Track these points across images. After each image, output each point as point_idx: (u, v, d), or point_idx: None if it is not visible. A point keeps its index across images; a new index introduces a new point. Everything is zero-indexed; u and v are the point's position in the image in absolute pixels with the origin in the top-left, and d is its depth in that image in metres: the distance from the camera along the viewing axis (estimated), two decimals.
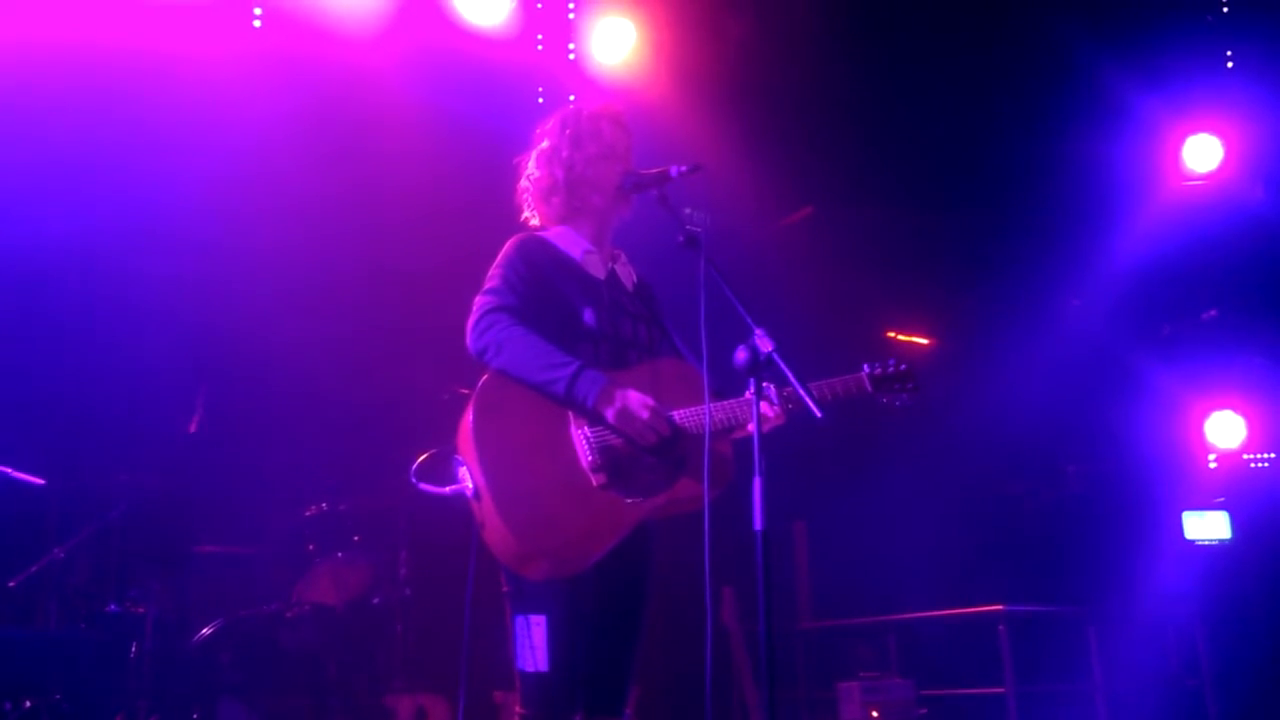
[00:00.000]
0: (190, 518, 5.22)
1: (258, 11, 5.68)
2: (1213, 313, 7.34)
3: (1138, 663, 6.23)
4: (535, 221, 3.40)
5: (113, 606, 4.84)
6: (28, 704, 4.43)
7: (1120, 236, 7.20)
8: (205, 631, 4.86)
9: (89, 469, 5.14)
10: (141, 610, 4.81)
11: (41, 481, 4.58)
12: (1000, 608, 5.88)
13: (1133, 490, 7.08)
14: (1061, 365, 7.10)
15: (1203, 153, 7.25)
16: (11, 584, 4.71)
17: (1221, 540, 6.81)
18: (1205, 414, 7.42)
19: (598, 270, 3.28)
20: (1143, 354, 7.33)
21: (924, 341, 8.00)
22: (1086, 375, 7.18)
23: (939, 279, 7.53)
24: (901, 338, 7.95)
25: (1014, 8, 6.60)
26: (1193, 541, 6.77)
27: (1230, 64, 7.07)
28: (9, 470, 4.43)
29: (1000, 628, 5.85)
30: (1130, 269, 7.19)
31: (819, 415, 2.73)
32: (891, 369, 3.17)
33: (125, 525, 4.94)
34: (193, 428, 5.25)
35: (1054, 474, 7.47)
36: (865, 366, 3.17)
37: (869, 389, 3.16)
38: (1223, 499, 6.98)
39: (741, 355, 2.74)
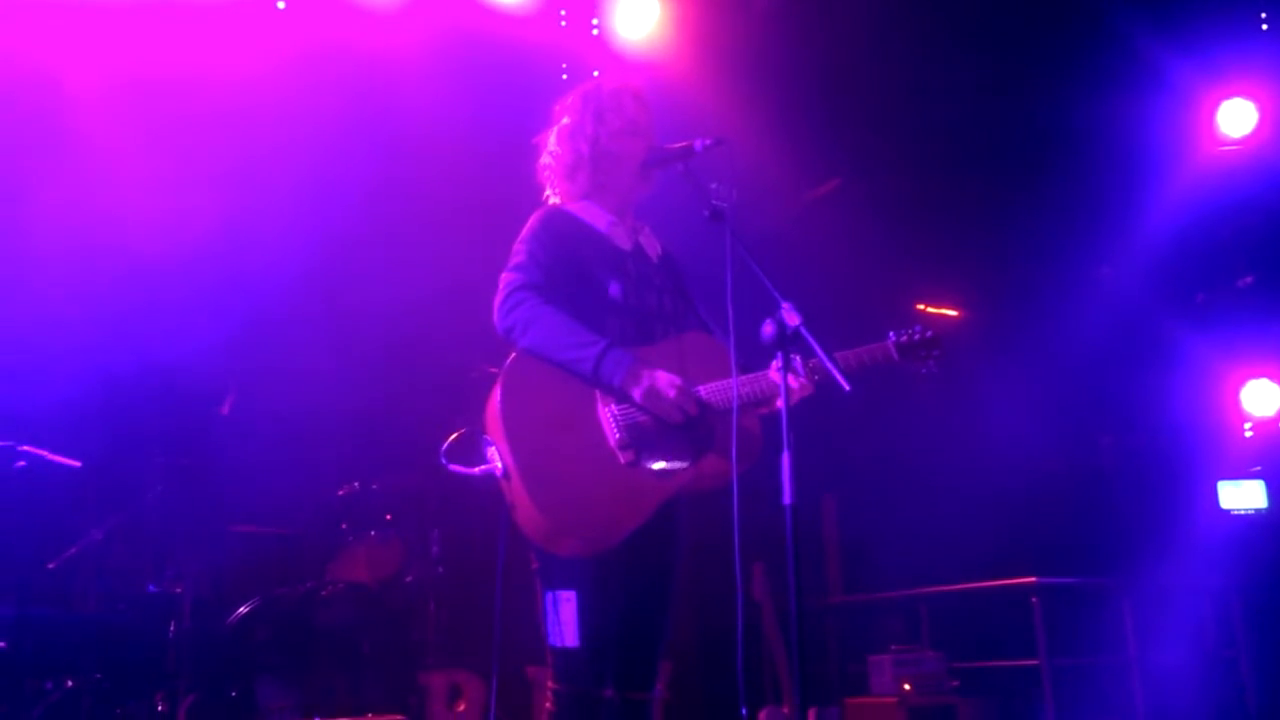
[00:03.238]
0: (225, 498, 5.27)
1: None
2: (1248, 279, 7.23)
3: (1173, 634, 6.18)
4: (556, 200, 3.39)
5: (151, 587, 4.91)
6: (69, 684, 4.51)
7: (1154, 203, 7.11)
8: (241, 610, 4.92)
9: (125, 451, 5.19)
10: (179, 590, 4.87)
11: (78, 464, 4.63)
12: (1033, 580, 5.84)
13: (1167, 460, 7.01)
14: (1095, 334, 7.02)
15: (1237, 117, 7.14)
16: (51, 566, 4.77)
17: (1258, 509, 6.74)
18: (1241, 382, 7.34)
19: (623, 242, 3.28)
20: (1177, 322, 7.24)
21: (954, 313, 7.94)
22: (1120, 344, 7.10)
23: (968, 249, 7.46)
24: (931, 310, 7.89)
25: None
26: (1228, 511, 6.70)
27: (1265, 27, 6.94)
28: (46, 453, 4.48)
29: (1033, 600, 5.82)
30: (1164, 236, 7.10)
31: (847, 388, 2.72)
32: (918, 336, 3.15)
33: (161, 506, 5.00)
34: (226, 410, 5.30)
35: (1087, 444, 7.40)
36: (891, 334, 3.15)
37: (895, 357, 3.14)
38: (1259, 468, 6.90)
39: (768, 329, 2.73)
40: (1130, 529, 6.62)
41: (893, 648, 6.00)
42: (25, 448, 4.40)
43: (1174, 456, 7.01)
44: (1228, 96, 7.14)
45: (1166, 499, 6.76)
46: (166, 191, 5.43)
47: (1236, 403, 7.33)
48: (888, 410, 6.59)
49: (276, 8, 5.68)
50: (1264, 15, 6.93)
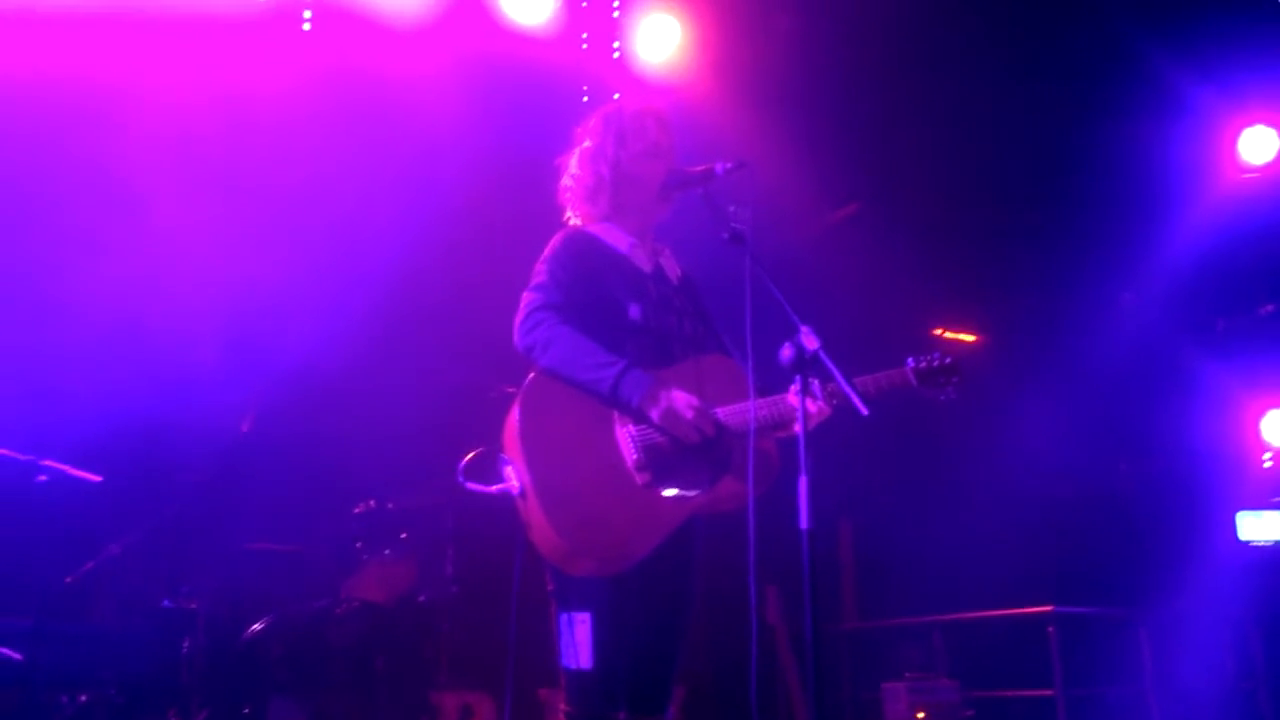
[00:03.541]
0: (241, 515, 5.28)
1: (307, 15, 5.73)
2: (1269, 307, 7.20)
3: (1191, 666, 6.13)
4: (576, 221, 3.41)
5: (166, 602, 4.92)
6: (83, 698, 4.51)
7: (1174, 230, 7.08)
8: (255, 628, 4.92)
9: (144, 467, 5.22)
10: (194, 606, 4.88)
11: (98, 479, 4.65)
12: (1050, 608, 5.81)
13: (1186, 489, 6.97)
14: (1114, 361, 7.00)
15: (1259, 144, 7.12)
16: (68, 580, 4.79)
17: (1277, 541, 6.68)
18: (1261, 412, 7.30)
19: (644, 264, 3.29)
20: (1197, 350, 7.21)
21: (973, 338, 7.92)
22: (1139, 371, 7.07)
23: (988, 274, 7.45)
24: (950, 335, 7.87)
25: (1067, 1, 6.50)
26: (1247, 542, 6.64)
27: None
28: (66, 468, 4.51)
29: (1050, 629, 5.78)
30: (1184, 263, 7.07)
31: (865, 412, 2.72)
32: (936, 362, 3.15)
33: (178, 522, 5.01)
34: (245, 427, 5.32)
35: (1106, 472, 7.36)
36: (910, 360, 3.15)
37: (913, 383, 3.13)
38: (1279, 499, 6.84)
39: (787, 352, 2.74)
40: (1148, 558, 6.57)
41: (907, 675, 5.97)
42: (47, 462, 4.42)
43: (1193, 486, 6.96)
44: (1249, 124, 7.12)
45: (1185, 529, 6.72)
46: (192, 211, 5.47)
47: (1256, 432, 7.28)
48: (906, 435, 6.58)
49: (301, 30, 5.72)
50: None
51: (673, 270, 3.38)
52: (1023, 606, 5.98)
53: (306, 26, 5.71)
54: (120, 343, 5.36)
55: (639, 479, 2.95)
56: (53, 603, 4.66)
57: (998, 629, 6.27)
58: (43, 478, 4.38)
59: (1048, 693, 5.73)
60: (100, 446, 4.83)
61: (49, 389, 5.03)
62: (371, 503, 5.41)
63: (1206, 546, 6.59)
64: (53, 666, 4.47)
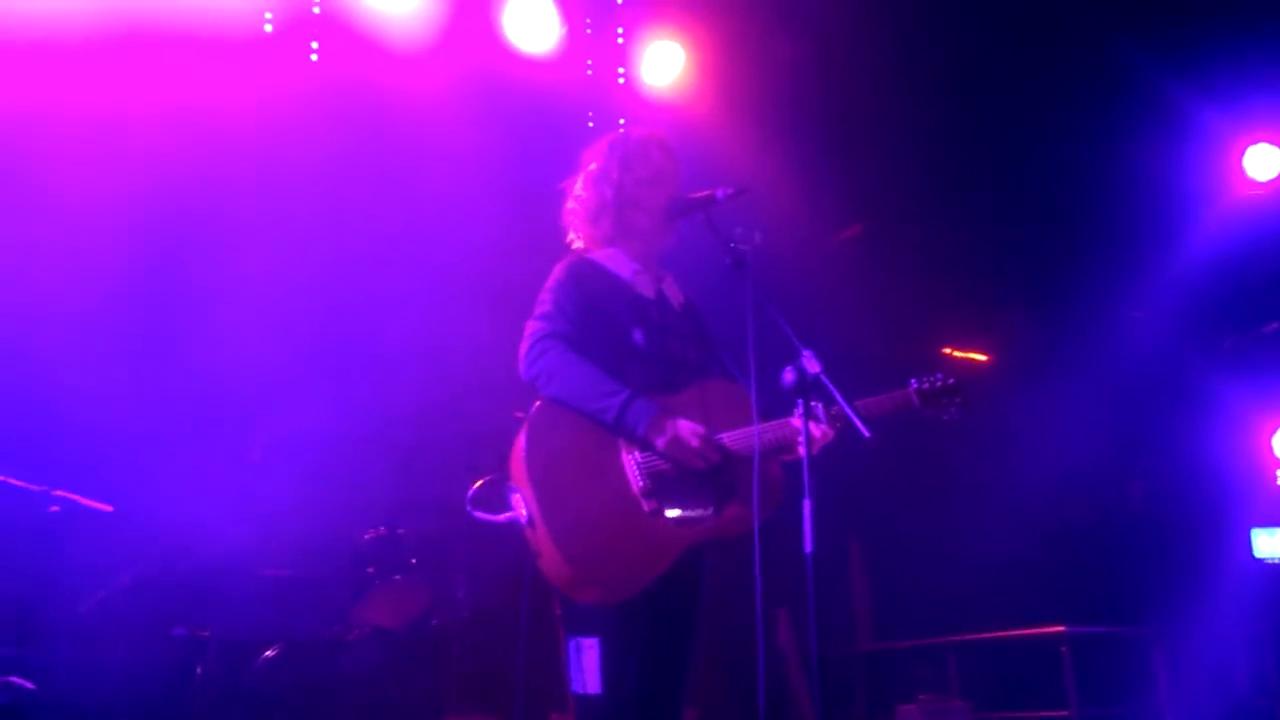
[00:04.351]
0: (252, 542, 5.30)
1: (315, 45, 5.79)
2: (1276, 325, 7.19)
3: (1205, 685, 6.09)
4: (580, 245, 3.44)
5: (178, 631, 4.93)
6: None
7: (1181, 248, 7.09)
8: (268, 655, 4.93)
9: (155, 496, 5.24)
10: (206, 634, 4.89)
11: (110, 509, 4.68)
12: (1063, 629, 5.78)
13: (1199, 507, 6.94)
14: (1124, 379, 6.99)
15: (1263, 161, 7.14)
16: (81, 609, 4.81)
17: None
18: (1273, 428, 7.27)
19: (647, 290, 3.31)
20: (1207, 367, 7.19)
21: (982, 358, 7.92)
22: (1150, 389, 7.06)
23: (996, 294, 7.45)
24: (958, 354, 7.87)
25: (1070, 20, 6.53)
26: (1262, 560, 6.61)
27: None
28: (79, 498, 4.53)
29: (1063, 649, 5.76)
30: (1192, 281, 7.07)
31: (867, 435, 2.73)
32: (940, 383, 3.16)
33: (190, 550, 5.03)
34: (255, 456, 5.35)
35: (1118, 491, 7.34)
36: (913, 382, 3.17)
37: (917, 404, 3.15)
38: None
39: (789, 376, 2.75)
40: (1162, 578, 6.54)
41: (921, 697, 5.94)
42: (59, 492, 4.45)
43: (1206, 503, 6.94)
44: (1254, 141, 7.14)
45: (1199, 547, 6.69)
46: (201, 237, 5.52)
47: (1269, 449, 7.25)
48: (917, 456, 6.57)
49: (310, 60, 5.78)
50: None
51: (675, 296, 3.40)
52: (1037, 626, 5.95)
53: (314, 58, 5.76)
54: (130, 374, 5.40)
55: (645, 506, 2.96)
56: (65, 632, 4.69)
57: (1011, 649, 6.24)
58: (55, 508, 4.41)
59: (1062, 713, 5.70)
60: (112, 477, 4.86)
61: (60, 420, 5.06)
62: (383, 529, 5.43)
63: (1221, 564, 6.57)
64: (65, 696, 4.48)
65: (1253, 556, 6.63)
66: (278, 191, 5.64)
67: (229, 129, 5.58)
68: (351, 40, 5.83)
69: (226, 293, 5.71)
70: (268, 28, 5.66)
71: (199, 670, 4.81)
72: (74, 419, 5.09)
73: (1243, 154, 7.16)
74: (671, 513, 2.98)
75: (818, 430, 2.99)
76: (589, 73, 6.47)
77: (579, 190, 3.44)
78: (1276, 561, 6.64)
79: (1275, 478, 7.24)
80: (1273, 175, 7.11)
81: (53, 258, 5.30)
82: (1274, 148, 7.11)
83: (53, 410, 5.08)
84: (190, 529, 5.05)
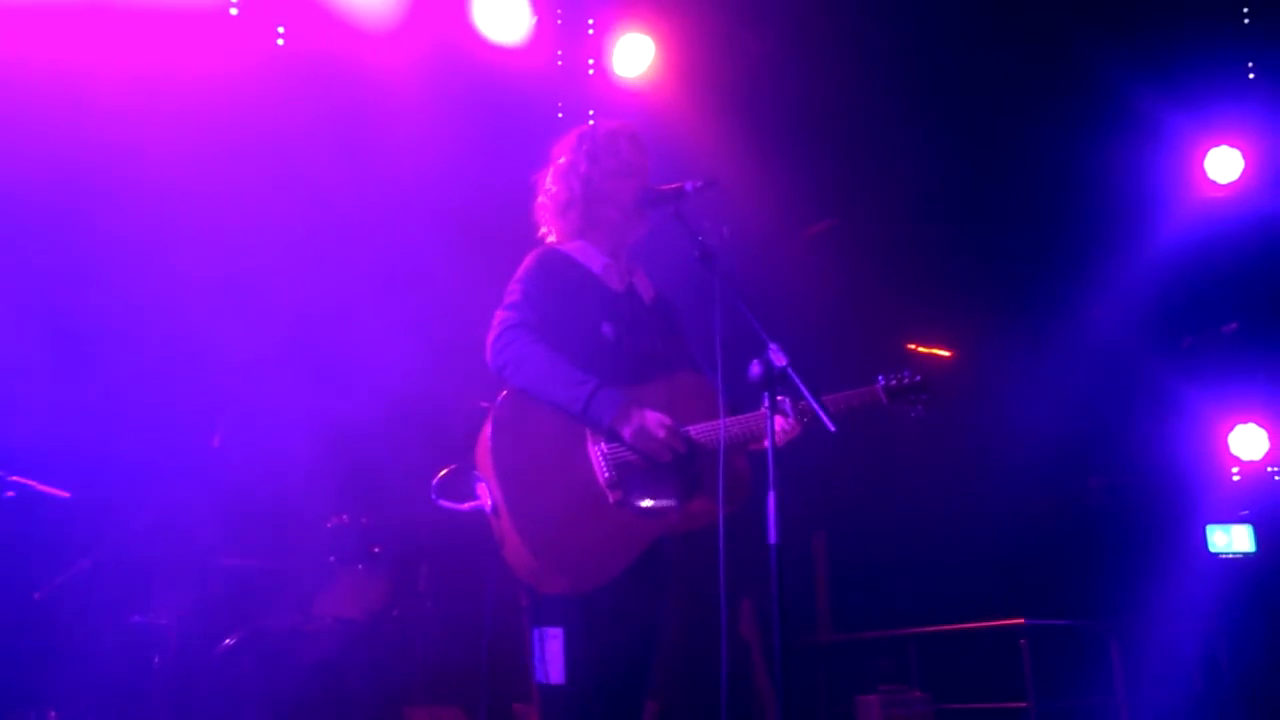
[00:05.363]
0: (213, 530, 5.25)
1: (281, 30, 5.74)
2: (1234, 325, 7.29)
3: (1161, 678, 6.18)
4: (552, 238, 3.43)
5: (137, 618, 4.89)
6: (52, 714, 4.48)
7: (1141, 248, 7.17)
8: (227, 643, 4.89)
9: (113, 482, 5.18)
10: (164, 622, 4.85)
11: (67, 494, 4.62)
12: (1022, 621, 5.84)
13: (1156, 503, 7.04)
14: (1084, 377, 7.07)
15: (1224, 164, 7.23)
16: (37, 596, 4.75)
17: (1246, 553, 6.76)
18: (1229, 427, 7.38)
19: (616, 283, 3.31)
20: (1165, 366, 7.29)
21: (945, 353, 7.98)
22: (1109, 387, 7.14)
23: (960, 291, 7.51)
24: (923, 350, 7.92)
25: (1035, 23, 6.59)
26: (1217, 555, 6.72)
27: (1252, 75, 7.05)
28: (34, 483, 4.48)
29: (1022, 641, 5.82)
30: (1152, 281, 7.16)
31: (833, 429, 2.75)
32: (906, 380, 3.19)
33: (149, 537, 4.98)
34: (215, 442, 5.29)
35: (1077, 487, 7.42)
36: (880, 378, 3.19)
37: (884, 400, 3.18)
38: (1247, 512, 6.93)
39: (755, 369, 2.76)
40: (1119, 572, 6.63)
41: (881, 688, 5.98)
42: (14, 478, 4.39)
43: (1163, 500, 7.03)
44: (1215, 144, 7.23)
45: (1155, 542, 6.78)
46: (166, 224, 5.45)
47: (1225, 447, 7.36)
48: (880, 450, 6.62)
49: (276, 45, 5.72)
50: (1251, 65, 7.04)
51: (646, 290, 3.40)
52: (995, 619, 6.01)
53: (280, 43, 5.71)
54: (87, 356, 5.33)
55: (611, 497, 2.97)
56: (21, 620, 4.63)
57: (971, 642, 6.30)
58: (10, 493, 4.35)
59: (1021, 705, 5.77)
60: (68, 462, 4.80)
61: (15, 404, 4.99)
62: (344, 517, 5.39)
63: (1176, 559, 6.65)
64: (22, 682, 4.44)
65: (1207, 552, 6.73)
66: (240, 175, 5.58)
67: (192, 109, 5.52)
68: (318, 31, 5.78)
69: (187, 276, 5.65)
70: (233, 10, 5.60)
71: (156, 659, 4.77)
72: (30, 403, 5.02)
73: (1205, 156, 7.26)
74: (637, 504, 2.98)
75: (784, 424, 3.00)
76: (559, 63, 6.45)
77: (548, 184, 3.44)
78: (1230, 557, 6.75)
79: (1230, 475, 7.35)
80: (1234, 178, 7.21)
81: (4, 239, 5.22)
82: (1235, 151, 7.20)
83: (7, 394, 5.01)
84: (149, 516, 5.00)
